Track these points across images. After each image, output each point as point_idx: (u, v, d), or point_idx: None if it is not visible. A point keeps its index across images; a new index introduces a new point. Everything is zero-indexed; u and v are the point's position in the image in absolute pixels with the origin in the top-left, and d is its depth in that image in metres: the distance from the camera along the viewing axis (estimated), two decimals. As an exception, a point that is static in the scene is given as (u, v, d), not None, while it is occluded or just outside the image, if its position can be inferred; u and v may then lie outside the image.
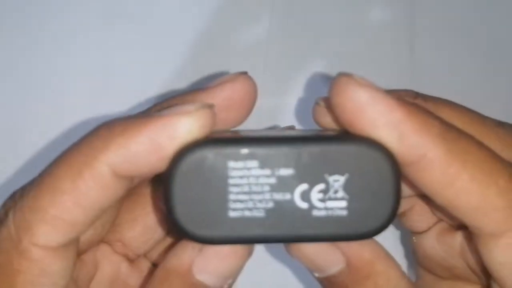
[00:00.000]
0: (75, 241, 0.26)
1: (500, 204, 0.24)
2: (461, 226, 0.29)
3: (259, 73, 0.39)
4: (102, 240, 0.30)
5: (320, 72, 0.40)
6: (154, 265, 0.32)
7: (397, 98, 0.24)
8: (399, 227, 0.39)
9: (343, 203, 0.24)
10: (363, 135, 0.24)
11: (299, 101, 0.40)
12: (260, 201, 0.24)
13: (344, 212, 0.24)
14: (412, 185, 0.26)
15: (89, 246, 0.29)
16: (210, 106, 0.24)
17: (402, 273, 0.27)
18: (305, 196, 0.24)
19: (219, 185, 0.24)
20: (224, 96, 0.27)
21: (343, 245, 0.26)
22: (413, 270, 0.34)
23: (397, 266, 0.27)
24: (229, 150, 0.24)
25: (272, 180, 0.24)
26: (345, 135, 0.25)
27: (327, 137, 0.25)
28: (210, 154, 0.23)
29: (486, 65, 0.41)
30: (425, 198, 0.27)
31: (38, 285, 0.25)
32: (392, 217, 0.24)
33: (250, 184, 0.24)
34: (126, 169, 0.24)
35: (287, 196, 0.24)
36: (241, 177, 0.24)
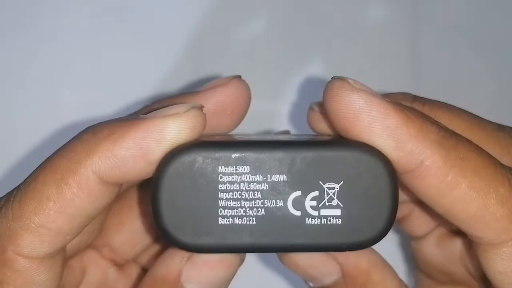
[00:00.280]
0: (62, 249, 0.25)
1: (500, 212, 0.23)
2: (461, 232, 0.28)
3: (254, 75, 0.38)
4: (89, 245, 0.29)
5: (317, 74, 0.40)
6: (144, 270, 0.32)
7: (393, 102, 0.23)
8: (398, 231, 0.38)
9: (338, 212, 0.23)
10: (359, 141, 0.23)
11: (295, 105, 0.40)
12: (251, 208, 0.23)
13: (338, 221, 0.23)
14: (409, 192, 0.25)
15: (76, 252, 0.28)
16: (200, 108, 0.24)
17: (399, 281, 0.27)
18: (298, 203, 0.23)
19: (208, 191, 0.23)
20: (215, 101, 0.27)
21: (338, 254, 0.26)
22: (413, 275, 0.34)
23: (394, 274, 0.27)
24: (220, 154, 0.23)
25: (264, 187, 0.23)
26: (341, 141, 0.24)
27: (322, 142, 0.25)
28: (199, 158, 0.23)
29: (487, 64, 0.41)
30: (423, 204, 0.26)
31: None
32: (389, 226, 0.23)
33: (241, 190, 0.23)
34: (112, 175, 0.23)
35: (280, 204, 0.23)
36: (231, 183, 0.23)
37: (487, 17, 0.41)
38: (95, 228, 0.28)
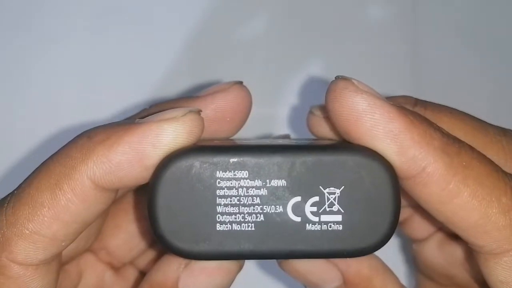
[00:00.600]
0: (57, 256, 0.24)
1: (501, 222, 0.22)
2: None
3: (253, 77, 0.37)
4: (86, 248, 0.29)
5: (317, 75, 0.40)
6: (142, 273, 0.31)
7: (397, 106, 0.23)
8: (399, 234, 0.38)
9: (339, 217, 0.23)
10: (361, 145, 0.23)
11: (294, 107, 0.39)
12: (250, 214, 0.23)
13: (339, 227, 0.23)
14: (410, 198, 0.24)
15: (72, 257, 0.28)
16: (198, 112, 0.23)
17: (401, 287, 0.27)
18: (298, 209, 0.23)
19: (206, 196, 0.23)
20: (215, 107, 0.26)
21: (339, 260, 0.25)
22: (413, 277, 0.34)
23: (395, 280, 0.26)
24: (218, 159, 0.22)
25: (263, 192, 0.23)
26: (342, 145, 0.24)
27: (322, 146, 0.24)
28: (197, 163, 0.22)
29: (487, 65, 0.41)
30: (423, 210, 0.25)
31: None
32: (391, 232, 0.23)
33: (240, 196, 0.23)
34: (108, 181, 0.23)
35: (279, 209, 0.23)
36: (230, 188, 0.23)
37: (487, 17, 0.41)
38: (92, 234, 0.28)
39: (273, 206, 0.23)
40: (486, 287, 0.26)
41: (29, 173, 0.24)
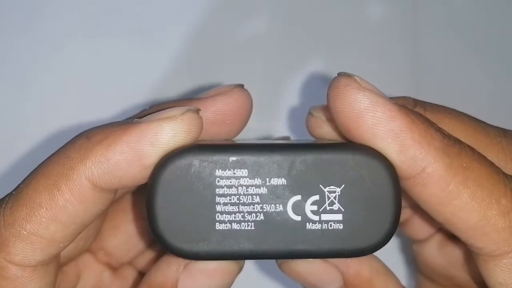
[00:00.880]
0: (55, 257, 0.24)
1: (501, 224, 0.22)
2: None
3: (253, 76, 0.38)
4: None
5: (317, 75, 0.39)
6: (140, 273, 0.31)
7: (399, 105, 0.22)
8: (399, 234, 0.38)
9: (339, 216, 0.23)
10: (361, 143, 0.23)
11: (294, 107, 0.39)
12: (250, 213, 0.22)
13: (340, 226, 0.23)
14: (409, 198, 0.24)
15: (71, 258, 0.28)
16: (196, 111, 0.23)
17: None
18: (298, 208, 0.23)
19: (205, 195, 0.22)
20: (215, 109, 0.26)
21: (339, 261, 0.25)
22: (413, 278, 0.34)
23: (396, 282, 0.26)
24: (217, 157, 0.22)
25: (263, 191, 0.22)
26: (342, 143, 0.24)
27: (323, 145, 0.24)
28: (196, 162, 0.22)
29: (487, 64, 0.41)
30: (423, 211, 0.25)
31: None
32: (392, 231, 0.23)
33: (239, 194, 0.22)
34: (106, 181, 0.22)
35: (279, 208, 0.23)
36: (229, 187, 0.22)
37: (487, 17, 0.41)
38: (91, 234, 0.28)
39: (273, 205, 0.22)
40: (486, 290, 0.26)
41: (29, 173, 0.24)
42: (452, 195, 0.22)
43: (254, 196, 0.22)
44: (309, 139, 0.28)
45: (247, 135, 0.30)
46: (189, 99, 0.27)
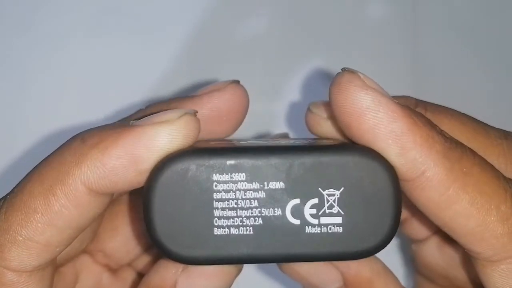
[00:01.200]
0: (52, 261, 0.24)
1: (499, 230, 0.22)
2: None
3: (253, 75, 0.38)
4: (82, 250, 0.29)
5: (317, 74, 0.39)
6: (140, 275, 0.31)
7: (402, 105, 0.22)
8: (398, 234, 0.38)
9: (339, 219, 0.22)
10: (361, 144, 0.22)
11: (294, 105, 0.39)
12: (248, 217, 0.22)
13: (339, 229, 0.22)
14: (408, 200, 0.24)
15: (68, 260, 0.28)
16: (194, 114, 0.23)
17: None
18: (297, 211, 0.22)
19: (203, 200, 0.22)
20: (211, 106, 0.26)
21: (340, 262, 0.25)
22: (411, 278, 0.34)
23: (397, 282, 0.26)
24: (214, 161, 0.22)
25: (261, 195, 0.22)
26: (340, 145, 0.23)
27: (321, 147, 0.24)
28: (192, 166, 0.22)
29: (487, 65, 0.40)
30: (422, 214, 0.25)
31: None
32: (392, 234, 0.23)
33: (237, 199, 0.22)
34: (102, 185, 0.22)
35: (278, 212, 0.22)
36: (227, 191, 0.22)
37: (487, 17, 0.41)
38: (88, 236, 0.28)
39: (271, 209, 0.22)
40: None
41: (23, 177, 0.24)
42: (451, 200, 0.22)
43: (252, 200, 0.22)
44: (308, 137, 0.28)
45: (245, 133, 0.29)
46: (185, 97, 0.27)
